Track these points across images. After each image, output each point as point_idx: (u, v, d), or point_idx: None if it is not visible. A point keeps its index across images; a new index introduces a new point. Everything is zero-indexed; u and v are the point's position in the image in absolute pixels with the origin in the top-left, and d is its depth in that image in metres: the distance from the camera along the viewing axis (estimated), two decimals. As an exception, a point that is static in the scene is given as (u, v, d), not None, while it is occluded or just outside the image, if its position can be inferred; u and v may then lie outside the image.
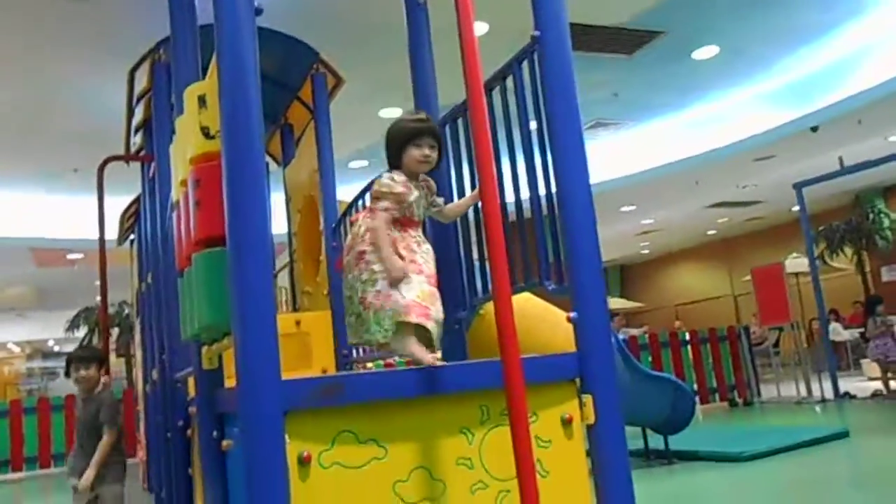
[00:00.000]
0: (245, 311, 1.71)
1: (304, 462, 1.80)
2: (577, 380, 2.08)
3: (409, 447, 1.92)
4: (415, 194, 2.21)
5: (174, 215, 2.39)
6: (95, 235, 5.39)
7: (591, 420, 2.02)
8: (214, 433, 2.54)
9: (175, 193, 2.35)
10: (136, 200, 6.61)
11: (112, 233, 6.17)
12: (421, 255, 2.18)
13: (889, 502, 3.91)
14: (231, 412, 2.35)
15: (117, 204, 6.74)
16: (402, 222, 2.19)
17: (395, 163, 2.26)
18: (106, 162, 5.08)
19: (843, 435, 5.78)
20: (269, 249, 1.73)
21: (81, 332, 17.73)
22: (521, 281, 2.42)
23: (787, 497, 4.11)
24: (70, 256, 14.25)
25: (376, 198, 2.21)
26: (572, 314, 2.08)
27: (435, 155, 2.26)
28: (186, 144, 2.11)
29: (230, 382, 2.44)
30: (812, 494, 4.12)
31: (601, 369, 2.06)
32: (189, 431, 4.08)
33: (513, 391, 1.76)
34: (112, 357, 4.52)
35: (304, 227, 4.97)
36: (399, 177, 2.21)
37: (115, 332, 16.03)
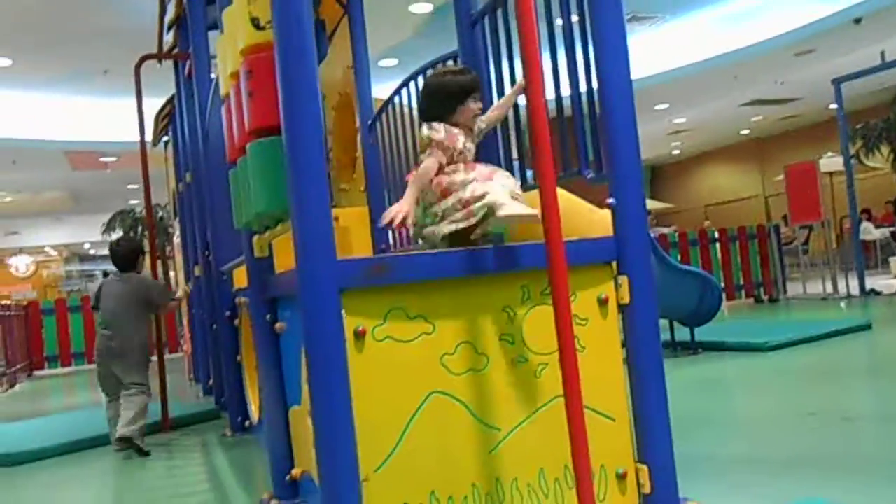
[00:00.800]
0: (302, 195, 1.81)
1: (359, 336, 1.96)
2: (614, 263, 2.19)
3: (455, 323, 2.07)
4: (461, 140, 2.24)
5: (223, 108, 2.47)
6: (128, 137, 5.50)
7: (626, 300, 2.13)
8: (268, 317, 2.72)
9: (225, 86, 2.42)
10: (170, 101, 6.68)
11: (147, 135, 6.26)
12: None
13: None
14: (284, 296, 2.51)
15: (150, 105, 6.80)
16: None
17: (438, 115, 2.26)
18: (143, 60, 5.10)
19: (865, 328, 5.92)
20: (322, 136, 1.82)
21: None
22: (561, 171, 2.49)
23: (806, 381, 4.29)
24: (103, 159, 14.45)
25: (421, 151, 2.26)
26: (611, 199, 2.16)
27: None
28: (236, 36, 2.16)
29: (281, 268, 2.60)
30: (829, 380, 4.31)
31: (636, 253, 2.16)
32: (236, 321, 4.33)
33: (556, 271, 1.87)
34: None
35: (339, 125, 5.02)
36: (439, 126, 2.22)
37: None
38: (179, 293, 5.11)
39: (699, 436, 3.11)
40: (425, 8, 9.38)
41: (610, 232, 2.18)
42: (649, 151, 20.31)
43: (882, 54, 9.65)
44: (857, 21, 9.90)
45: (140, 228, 16.70)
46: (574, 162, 2.41)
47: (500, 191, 2.13)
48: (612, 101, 2.20)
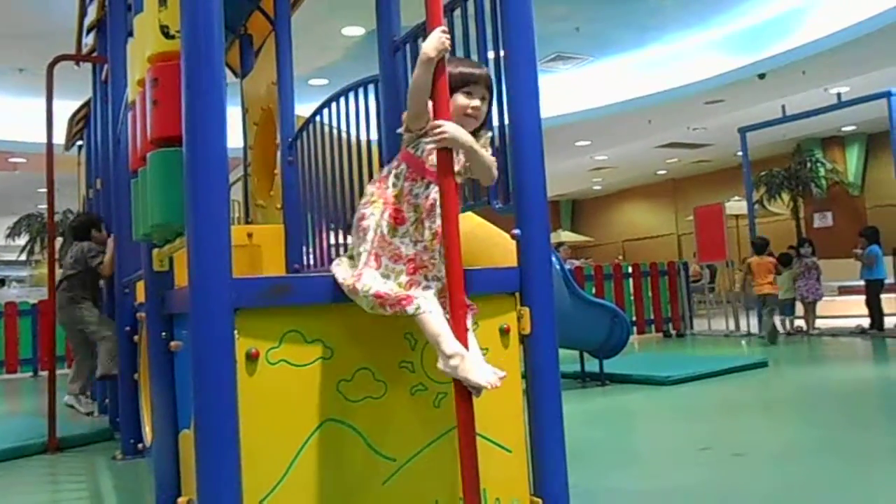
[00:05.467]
0: (199, 209, 1.75)
1: (252, 358, 1.90)
2: (517, 293, 2.20)
3: (354, 349, 2.03)
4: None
5: (129, 115, 2.38)
6: (40, 139, 5.22)
7: (528, 331, 2.15)
8: (163, 333, 2.61)
9: (131, 93, 2.34)
10: (86, 104, 6.42)
11: (59, 137, 5.99)
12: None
13: (791, 420, 4.30)
14: (181, 313, 2.41)
15: (65, 108, 6.52)
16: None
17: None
18: (56, 60, 4.88)
19: (762, 364, 6.25)
20: (225, 149, 1.77)
21: (22, 241, 17.27)
22: (470, 199, 2.51)
23: (703, 416, 4.46)
24: (12, 160, 13.77)
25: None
26: (516, 231, 2.19)
27: (485, 109, 2.05)
28: (145, 43, 2.09)
29: (180, 284, 2.50)
30: (725, 415, 4.49)
31: (539, 284, 2.18)
32: (136, 337, 4.14)
33: (454, 299, 1.87)
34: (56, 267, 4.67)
35: (260, 141, 4.94)
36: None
37: (58, 241, 15.65)
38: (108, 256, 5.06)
39: (597, 467, 3.16)
40: (357, 31, 9.42)
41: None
42: (571, 186, 20.88)
43: (783, 108, 10.34)
44: (762, 76, 10.58)
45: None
46: (483, 192, 2.43)
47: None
48: (522, 137, 2.23)
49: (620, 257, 16.65)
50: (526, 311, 2.17)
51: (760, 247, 9.22)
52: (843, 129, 15.76)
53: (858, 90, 10.38)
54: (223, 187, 1.78)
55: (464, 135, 1.91)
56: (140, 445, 3.91)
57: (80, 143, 7.42)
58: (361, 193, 3.33)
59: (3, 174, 14.85)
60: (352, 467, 2.00)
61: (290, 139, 4.28)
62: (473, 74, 2.01)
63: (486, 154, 2.01)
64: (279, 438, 1.90)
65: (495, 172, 2.03)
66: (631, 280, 10.16)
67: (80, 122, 6.87)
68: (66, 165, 7.85)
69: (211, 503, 1.79)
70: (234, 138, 5.06)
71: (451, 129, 1.88)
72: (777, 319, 9.11)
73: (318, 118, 3.89)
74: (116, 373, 4.45)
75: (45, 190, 4.90)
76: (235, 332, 1.84)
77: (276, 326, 1.93)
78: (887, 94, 8.72)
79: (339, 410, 2.00)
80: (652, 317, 10.19)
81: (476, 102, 2.00)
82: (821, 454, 3.28)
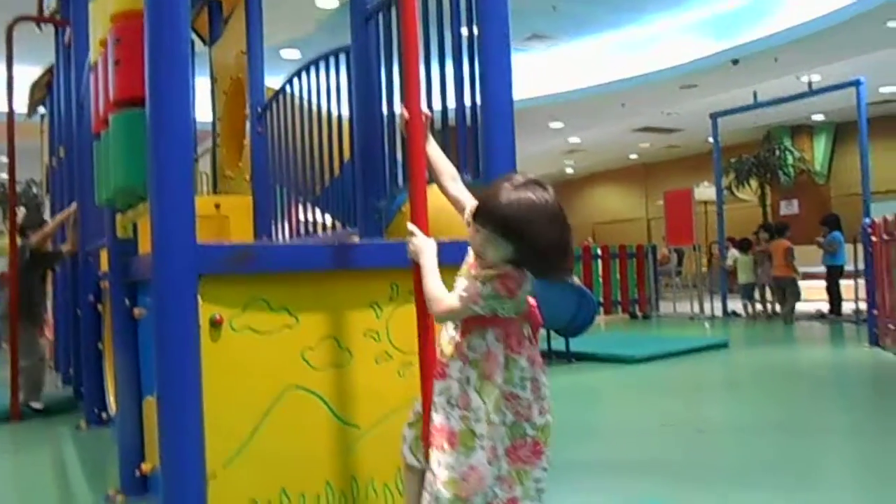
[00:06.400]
0: (162, 172, 1.73)
1: (216, 324, 1.89)
2: (483, 266, 2.21)
3: (319, 317, 2.03)
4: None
5: (91, 77, 2.33)
6: (0, 106, 5.09)
7: (493, 303, 2.16)
8: (126, 301, 2.58)
9: (94, 54, 2.29)
10: (49, 70, 6.24)
11: (20, 105, 5.83)
12: None
13: (750, 398, 4.40)
14: (144, 279, 2.38)
15: (27, 73, 6.34)
16: None
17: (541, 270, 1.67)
18: (16, 21, 4.74)
19: (723, 345, 6.41)
20: (189, 110, 1.74)
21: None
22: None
23: (666, 393, 4.57)
24: (-30, 127, 13.33)
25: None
26: (484, 204, 2.18)
27: None
28: (107, 2, 2.04)
29: (144, 251, 2.47)
30: (687, 392, 4.61)
31: (506, 257, 2.19)
32: (99, 306, 4.09)
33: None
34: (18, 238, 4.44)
35: (229, 111, 4.85)
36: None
37: (20, 211, 15.28)
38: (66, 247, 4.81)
39: (560, 440, 3.19)
40: (331, 3, 9.28)
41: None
42: (544, 168, 20.90)
43: (755, 94, 10.44)
44: (735, 62, 10.66)
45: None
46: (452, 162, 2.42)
47: None
48: (492, 114, 2.24)
49: (591, 239, 16.77)
50: (492, 282, 2.18)
51: (779, 230, 9.36)
52: (813, 117, 16.00)
53: (830, 79, 10.52)
54: (187, 149, 1.76)
55: (424, 255, 1.77)
56: (104, 415, 3.87)
57: (42, 110, 7.23)
58: (331, 166, 3.32)
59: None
60: (315, 434, 2.01)
61: (259, 109, 4.22)
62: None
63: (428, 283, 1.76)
64: (243, 404, 1.90)
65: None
66: (600, 262, 10.25)
67: (43, 89, 6.69)
68: (29, 133, 7.66)
69: (173, 468, 1.79)
70: (204, 111, 4.98)
71: (418, 243, 1.78)
72: (741, 304, 9.29)
73: (288, 88, 3.84)
74: (36, 405, 4.35)
75: (5, 159, 4.78)
76: (199, 297, 1.82)
77: (240, 293, 1.92)
78: (856, 83, 8.85)
79: (304, 378, 2.00)
80: (619, 298, 10.31)
81: None
82: (776, 429, 3.36)
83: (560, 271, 1.67)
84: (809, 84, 9.99)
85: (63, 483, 2.96)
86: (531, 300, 1.69)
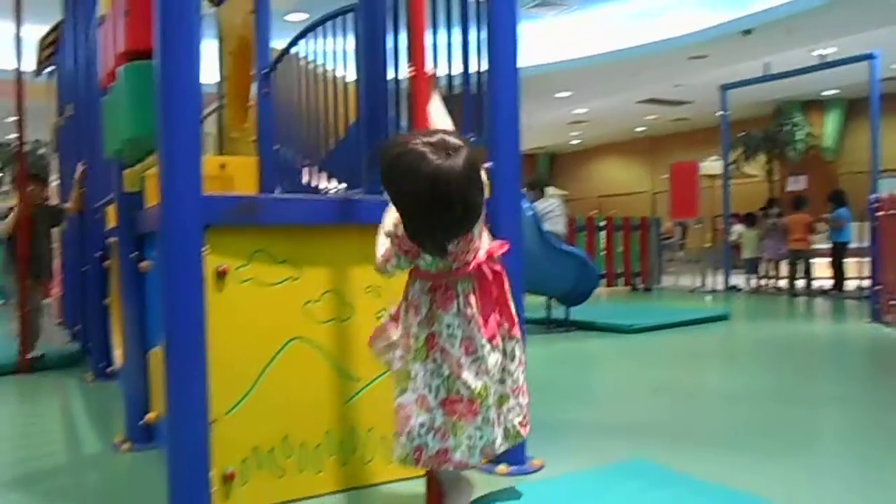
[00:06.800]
0: (171, 121, 1.76)
1: (220, 275, 1.93)
2: (486, 226, 2.24)
3: (322, 271, 2.08)
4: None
5: (100, 30, 2.34)
6: (8, 65, 5.08)
7: (493, 262, 2.20)
8: (134, 254, 2.63)
9: (102, 6, 2.30)
10: (56, 28, 6.23)
11: (28, 64, 5.81)
12: None
13: (745, 368, 4.45)
14: (151, 232, 2.43)
15: (34, 32, 6.32)
16: None
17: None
18: (23, -22, 4.72)
19: (723, 318, 6.44)
20: (198, 61, 1.76)
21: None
22: (442, 133, 2.52)
23: (662, 362, 4.62)
24: (-23, 86, 13.30)
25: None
26: (489, 164, 2.22)
27: None
28: (115, -47, 2.06)
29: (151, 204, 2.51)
30: (683, 361, 4.66)
31: (508, 216, 2.23)
32: (106, 263, 4.14)
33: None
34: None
35: (235, 71, 4.85)
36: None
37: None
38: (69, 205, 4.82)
39: (554, 403, 3.27)
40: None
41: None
42: (549, 139, 20.82)
43: (765, 66, 10.33)
44: (747, 32, 10.51)
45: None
46: (457, 125, 2.44)
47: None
48: (498, 79, 2.26)
49: (596, 211, 16.78)
50: (493, 243, 2.22)
51: (798, 203, 9.40)
52: (824, 93, 15.83)
53: (843, 53, 10.39)
54: (195, 101, 1.78)
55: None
56: (109, 369, 3.95)
57: (50, 69, 7.21)
58: (336, 129, 3.34)
59: (-31, 100, 14.33)
60: (316, 384, 2.07)
61: (265, 70, 4.22)
62: None
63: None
64: (246, 354, 1.95)
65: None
66: (603, 233, 10.27)
67: (51, 47, 6.67)
68: (36, 93, 7.65)
69: (179, 415, 1.85)
70: (209, 73, 4.96)
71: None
72: (744, 279, 9.33)
73: (294, 49, 3.85)
74: (32, 354, 4.41)
75: (13, 119, 4.79)
76: (205, 248, 1.86)
77: (245, 245, 1.97)
78: (869, 57, 8.75)
79: (306, 330, 2.05)
80: (621, 270, 10.35)
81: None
82: (770, 398, 3.42)
83: (431, 242, 1.58)
84: (822, 58, 9.88)
85: (71, 431, 3.04)
86: (487, 262, 1.66)
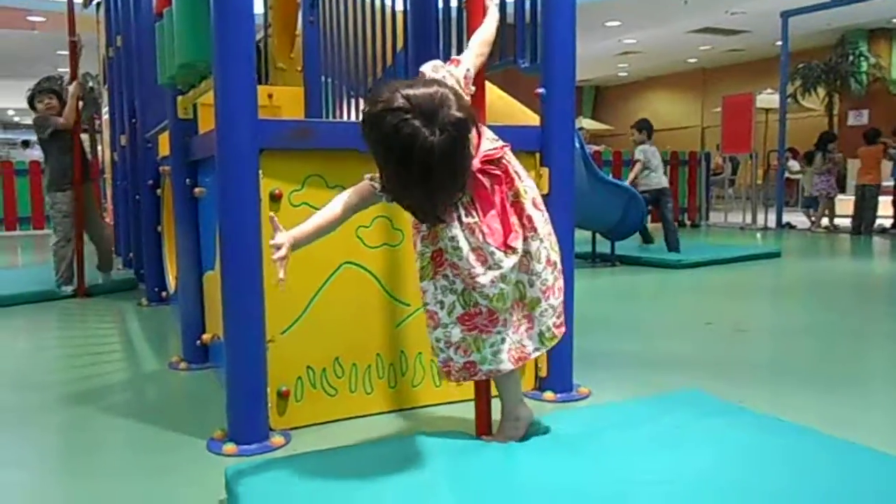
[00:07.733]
0: (226, 45, 1.76)
1: (275, 198, 1.96)
2: (538, 153, 2.22)
3: (373, 197, 2.08)
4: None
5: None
6: (61, -2, 5.06)
7: (546, 190, 2.18)
8: (188, 180, 2.67)
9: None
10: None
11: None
12: None
13: (795, 305, 4.39)
14: (205, 158, 2.46)
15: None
16: None
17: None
18: None
19: (775, 255, 6.31)
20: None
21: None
22: (496, 59, 2.47)
23: (710, 297, 4.57)
24: (31, 18, 13.44)
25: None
26: (540, 90, 2.17)
27: None
28: None
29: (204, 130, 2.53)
30: (733, 297, 4.61)
31: (560, 145, 2.20)
32: (158, 191, 4.23)
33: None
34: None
35: (281, 1, 4.80)
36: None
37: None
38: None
39: (601, 335, 3.28)
40: None
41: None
42: (596, 71, 20.25)
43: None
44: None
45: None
46: (510, 50, 2.39)
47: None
48: (554, 6, 2.18)
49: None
50: (545, 171, 2.20)
51: (872, 136, 9.10)
52: (894, 20, 14.95)
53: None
54: (250, 24, 1.77)
55: None
56: (164, 294, 4.08)
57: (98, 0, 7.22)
58: (384, 58, 3.29)
59: (21, 34, 14.50)
60: (367, 308, 2.11)
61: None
62: None
63: None
64: (300, 277, 1.99)
65: None
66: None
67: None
68: (85, 25, 7.69)
69: (236, 335, 1.91)
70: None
71: None
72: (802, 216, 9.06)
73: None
74: (65, 289, 4.44)
75: (64, 52, 4.78)
76: (260, 172, 1.88)
77: (299, 169, 1.98)
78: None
79: (358, 255, 2.08)
80: (668, 206, 10.17)
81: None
82: (817, 333, 3.37)
83: (403, 199, 1.55)
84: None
85: (130, 351, 3.17)
86: (483, 166, 1.58)
